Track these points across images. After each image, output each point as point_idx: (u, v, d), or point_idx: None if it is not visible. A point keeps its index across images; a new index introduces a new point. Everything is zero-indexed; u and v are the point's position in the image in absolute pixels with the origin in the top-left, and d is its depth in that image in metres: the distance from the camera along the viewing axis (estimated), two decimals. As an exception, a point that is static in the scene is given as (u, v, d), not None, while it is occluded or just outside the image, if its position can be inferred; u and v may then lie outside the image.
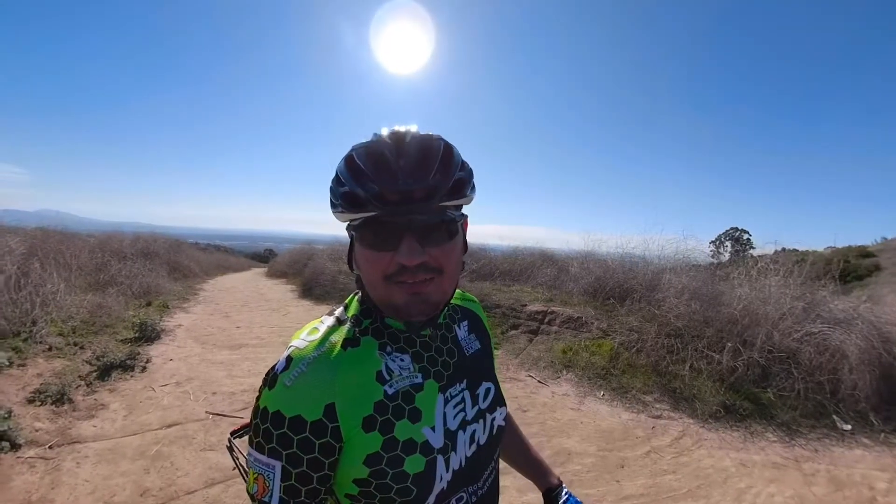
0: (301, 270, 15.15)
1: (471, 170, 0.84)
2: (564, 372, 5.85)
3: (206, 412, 4.43)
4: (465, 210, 0.86)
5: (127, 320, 7.25)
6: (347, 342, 0.82)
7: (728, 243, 38.11)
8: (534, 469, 1.22)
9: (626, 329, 6.49)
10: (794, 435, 4.42)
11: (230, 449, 2.03)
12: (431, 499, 0.81)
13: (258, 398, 0.78)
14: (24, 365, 4.93)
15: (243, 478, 2.06)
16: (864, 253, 21.47)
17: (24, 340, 5.52)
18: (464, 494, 0.89)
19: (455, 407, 0.89)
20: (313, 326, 0.86)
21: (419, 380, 0.85)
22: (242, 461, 1.97)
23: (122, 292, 9.06)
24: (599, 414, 4.80)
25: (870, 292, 10.33)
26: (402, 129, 0.78)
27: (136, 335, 6.60)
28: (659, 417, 4.73)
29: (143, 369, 5.47)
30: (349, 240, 0.85)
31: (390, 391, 0.81)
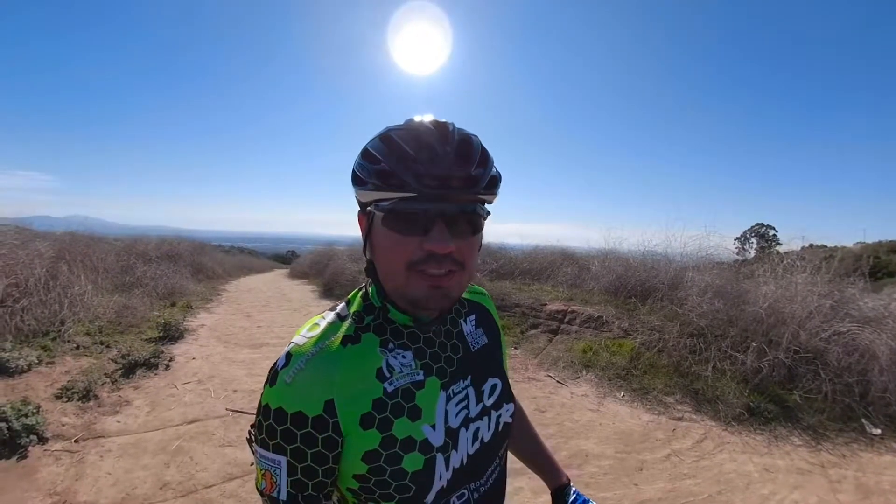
0: (322, 271, 15.29)
1: (498, 170, 0.83)
2: (584, 372, 5.79)
3: (227, 409, 4.49)
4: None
5: (152, 320, 7.40)
6: (347, 339, 0.81)
7: (753, 240, 37.38)
8: (543, 467, 1.21)
9: (648, 328, 6.40)
10: (821, 439, 4.30)
11: (250, 441, 2.08)
12: (431, 496, 0.81)
13: (261, 395, 0.78)
14: (52, 363, 5.06)
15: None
16: (895, 248, 20.88)
17: (53, 339, 5.68)
18: (465, 491, 0.88)
19: (458, 404, 0.88)
20: (314, 322, 0.86)
21: (420, 377, 0.84)
22: None
23: (147, 293, 9.26)
24: (619, 415, 4.73)
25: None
26: (446, 121, 0.78)
27: (161, 335, 6.73)
28: (680, 419, 4.64)
29: (167, 367, 5.57)
30: (367, 221, 0.81)
31: (390, 389, 0.80)
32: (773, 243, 31.75)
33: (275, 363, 0.79)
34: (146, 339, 6.52)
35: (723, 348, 5.49)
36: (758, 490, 3.50)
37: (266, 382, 0.78)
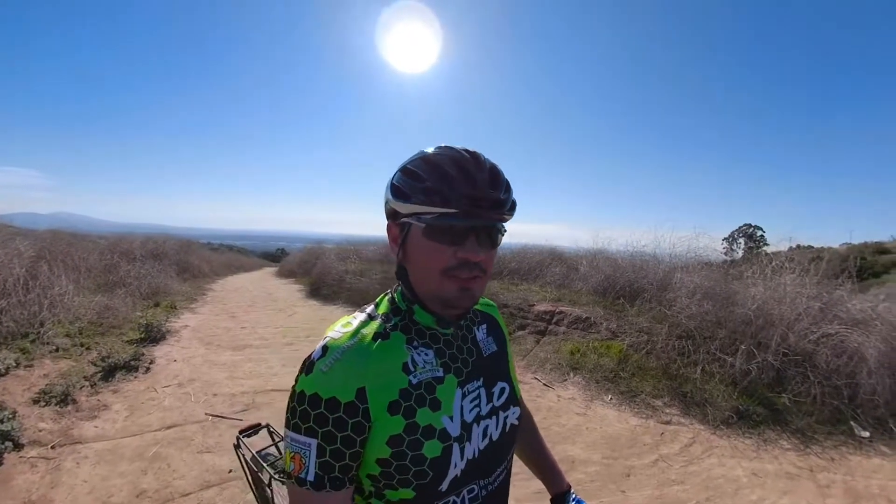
0: (310, 270, 15.17)
1: None
2: (571, 374, 5.74)
3: (206, 414, 4.40)
4: None
5: (134, 321, 7.26)
6: (378, 335, 0.90)
7: (741, 240, 37.67)
8: (546, 472, 1.31)
9: (636, 330, 6.36)
10: (810, 442, 4.27)
11: (237, 447, 2.00)
12: (445, 484, 0.89)
13: (295, 384, 0.86)
14: (30, 366, 4.96)
15: (246, 476, 2.03)
16: (880, 249, 21.08)
17: (32, 342, 5.57)
18: (475, 487, 0.96)
19: (471, 402, 0.97)
20: (346, 321, 0.95)
21: (440, 373, 0.93)
22: (248, 457, 1.93)
23: (130, 293, 9.13)
24: (606, 419, 4.68)
25: (887, 290, 10.08)
26: (477, 152, 0.91)
27: (142, 336, 6.61)
28: (668, 423, 4.59)
29: (147, 370, 5.46)
30: (402, 231, 0.92)
31: (414, 381, 0.89)
32: (761, 244, 31.98)
33: (310, 354, 0.88)
34: (127, 341, 6.40)
35: (711, 350, 5.46)
36: (746, 496, 3.45)
37: (301, 372, 0.86)
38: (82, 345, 5.88)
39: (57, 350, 5.54)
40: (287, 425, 0.85)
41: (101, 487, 3.18)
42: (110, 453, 3.62)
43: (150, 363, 5.67)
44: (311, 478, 0.81)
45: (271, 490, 1.80)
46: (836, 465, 3.94)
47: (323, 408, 0.81)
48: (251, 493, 2.06)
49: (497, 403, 1.02)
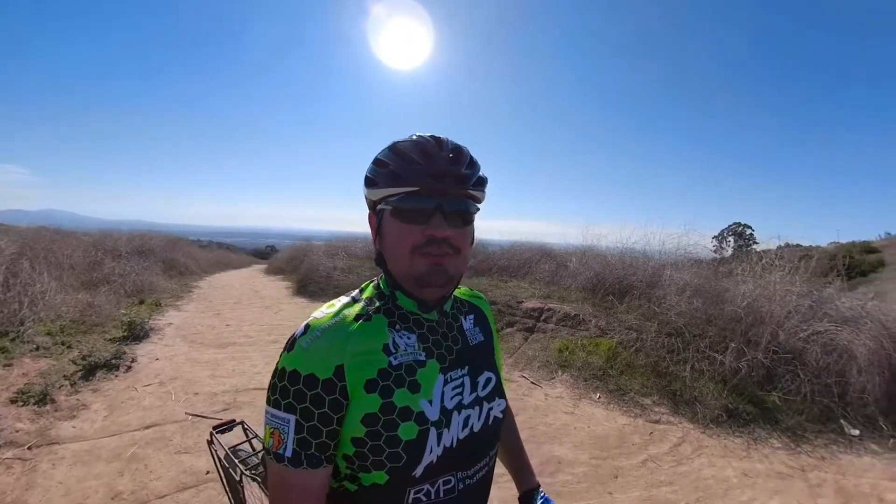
0: (298, 267, 15.07)
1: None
2: (560, 372, 5.68)
3: (186, 413, 4.31)
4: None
5: (117, 319, 7.14)
6: (360, 316, 0.91)
7: (731, 238, 37.92)
8: (517, 468, 1.31)
9: (625, 327, 6.32)
10: (800, 441, 4.23)
11: (210, 443, 1.93)
12: (419, 469, 0.87)
13: (278, 362, 0.87)
14: (10, 365, 4.86)
15: (219, 474, 1.95)
16: (868, 248, 21.27)
17: (12, 340, 5.48)
18: (451, 478, 0.93)
19: (454, 389, 0.96)
20: (331, 303, 0.96)
21: (422, 357, 0.93)
22: (222, 455, 1.86)
23: (114, 291, 9.00)
24: (594, 418, 4.61)
25: (875, 289, 10.13)
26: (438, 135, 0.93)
27: (125, 334, 6.49)
28: (657, 422, 4.54)
29: (128, 369, 5.37)
30: (377, 218, 0.96)
31: (395, 362, 0.89)
32: (751, 242, 32.20)
33: (293, 333, 0.89)
34: (110, 339, 6.28)
35: (701, 348, 5.42)
36: (737, 496, 3.40)
37: (284, 350, 0.88)
38: (63, 343, 5.78)
39: (37, 349, 5.45)
40: (268, 402, 0.86)
41: (77, 489, 3.10)
42: (87, 454, 3.53)
43: (132, 362, 5.57)
44: (288, 453, 0.82)
45: (242, 487, 1.74)
46: (826, 464, 3.91)
47: (301, 384, 0.82)
48: (225, 493, 1.99)
49: (482, 393, 1.02)
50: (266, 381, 5.19)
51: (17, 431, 3.74)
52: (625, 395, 5.05)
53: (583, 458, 3.86)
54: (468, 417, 0.97)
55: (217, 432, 1.96)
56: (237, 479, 1.74)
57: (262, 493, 1.68)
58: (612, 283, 8.10)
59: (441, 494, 0.92)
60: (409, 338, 0.93)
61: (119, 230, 15.79)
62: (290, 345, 0.87)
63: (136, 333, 6.60)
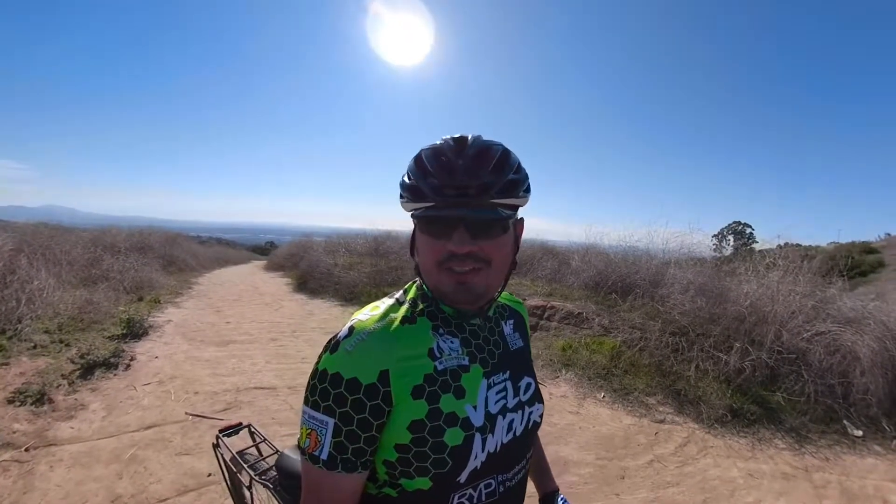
0: (297, 263, 15.03)
1: (526, 174, 0.93)
2: (563, 371, 5.65)
3: (186, 413, 4.25)
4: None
5: (116, 316, 7.06)
6: (405, 319, 0.90)
7: (731, 237, 37.94)
8: (537, 471, 1.30)
9: (629, 326, 6.29)
10: (804, 441, 4.21)
11: (216, 446, 1.90)
12: (464, 475, 0.87)
13: (317, 362, 0.86)
14: (7, 364, 4.79)
15: (224, 478, 1.91)
16: (867, 249, 21.29)
17: (9, 339, 5.41)
18: (492, 481, 0.93)
19: (497, 393, 0.95)
20: (375, 305, 0.95)
21: (466, 362, 0.92)
22: (228, 458, 1.82)
23: (113, 287, 8.95)
24: (600, 418, 4.58)
25: (875, 289, 10.12)
26: (467, 135, 0.88)
27: (124, 332, 6.42)
28: (662, 422, 4.51)
29: (127, 367, 5.29)
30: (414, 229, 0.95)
31: (440, 367, 0.88)
32: (751, 241, 32.24)
33: (336, 334, 0.88)
34: (108, 337, 6.20)
35: (705, 348, 5.40)
36: (743, 497, 3.37)
37: (325, 350, 0.86)
38: (61, 341, 5.70)
39: (35, 347, 5.37)
40: (306, 402, 0.86)
41: (76, 492, 3.04)
42: (86, 456, 3.46)
43: (131, 360, 5.50)
44: (324, 456, 0.81)
45: (251, 492, 1.71)
46: (831, 465, 3.89)
47: (343, 388, 0.81)
48: (230, 497, 1.95)
49: (524, 398, 1.01)
50: (267, 379, 5.16)
51: (14, 432, 3.66)
52: (629, 395, 5.02)
53: (589, 458, 3.83)
54: (512, 421, 0.96)
55: (223, 435, 1.92)
56: (246, 483, 1.71)
57: (272, 499, 1.65)
58: (615, 282, 8.08)
59: (483, 498, 0.92)
60: (452, 342, 0.93)
61: (118, 226, 15.74)
62: (334, 346, 0.85)
63: (135, 331, 6.53)
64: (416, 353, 0.87)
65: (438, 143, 0.89)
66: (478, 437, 0.88)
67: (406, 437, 0.83)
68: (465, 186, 0.83)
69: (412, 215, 0.91)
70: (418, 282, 1.00)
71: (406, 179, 0.90)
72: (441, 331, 0.93)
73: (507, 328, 1.09)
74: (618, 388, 5.16)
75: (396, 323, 0.89)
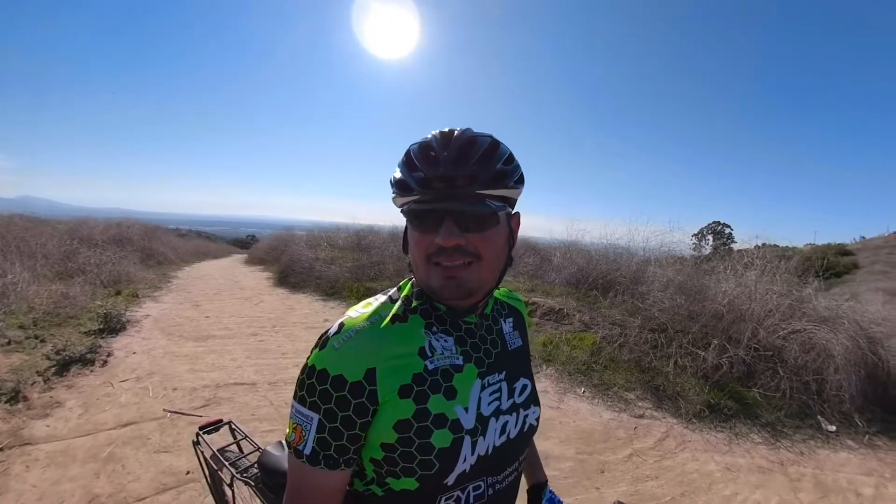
0: (279, 257, 14.91)
1: (517, 165, 0.91)
2: (544, 367, 5.68)
3: (164, 410, 4.19)
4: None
5: (92, 311, 6.95)
6: (396, 318, 0.89)
7: (710, 237, 38.43)
8: (527, 463, 1.27)
9: (609, 323, 6.35)
10: (779, 436, 4.30)
11: (196, 444, 1.88)
12: (452, 478, 0.85)
13: (308, 357, 0.85)
14: (-21, 361, 4.67)
15: (204, 475, 1.89)
16: (842, 251, 21.74)
17: (-18, 335, 5.28)
18: (482, 484, 0.92)
19: (491, 395, 0.94)
20: (367, 301, 0.94)
21: (459, 362, 0.90)
22: (208, 455, 1.80)
23: (89, 281, 8.81)
24: (580, 413, 4.63)
25: (849, 290, 10.33)
26: (455, 129, 0.87)
27: (101, 327, 6.32)
28: (641, 417, 4.57)
29: (104, 363, 5.21)
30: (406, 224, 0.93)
31: (431, 366, 0.86)
32: (729, 241, 32.71)
33: (326, 330, 0.87)
34: (84, 332, 6.11)
35: (684, 344, 5.47)
36: (720, 491, 3.43)
37: (315, 347, 0.86)
38: (36, 337, 5.59)
39: (9, 343, 5.27)
40: (294, 397, 0.86)
41: (52, 493, 2.98)
42: (62, 455, 3.40)
43: (108, 356, 5.42)
44: (307, 451, 0.82)
45: (232, 490, 1.69)
46: (805, 459, 3.97)
47: (329, 384, 0.80)
48: (210, 495, 1.93)
49: (519, 400, 0.99)
50: (247, 375, 5.12)
51: (-13, 432, 3.59)
52: (609, 390, 5.07)
53: (569, 453, 3.87)
54: (506, 424, 0.95)
55: (203, 432, 1.90)
56: (227, 481, 1.69)
57: (253, 496, 1.64)
58: (596, 279, 8.15)
59: (471, 500, 0.91)
60: (446, 341, 0.91)
61: (96, 218, 15.48)
62: (323, 343, 0.85)
63: (113, 326, 6.43)
64: (406, 351, 0.85)
65: (428, 137, 0.88)
66: (467, 439, 0.86)
67: (392, 436, 0.82)
68: (451, 178, 0.82)
69: (402, 211, 0.90)
70: (414, 279, 0.99)
71: (395, 175, 0.89)
72: (434, 329, 0.91)
73: (507, 326, 1.07)
74: (598, 384, 5.20)
75: (387, 321, 0.88)
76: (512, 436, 0.96)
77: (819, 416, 4.58)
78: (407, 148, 0.89)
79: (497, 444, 0.92)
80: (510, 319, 1.09)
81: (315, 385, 0.81)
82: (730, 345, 5.25)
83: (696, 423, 4.45)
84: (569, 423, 4.39)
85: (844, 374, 4.76)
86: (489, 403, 0.92)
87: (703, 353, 5.24)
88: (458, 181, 0.83)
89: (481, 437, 0.89)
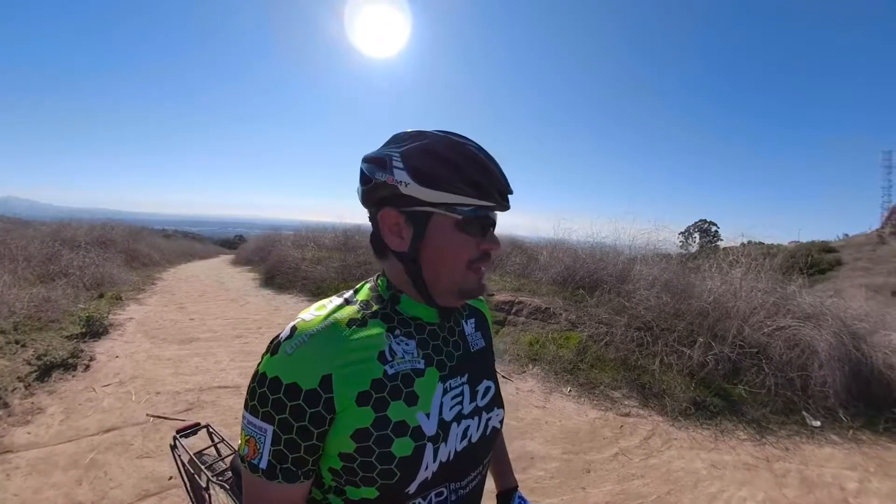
0: (265, 258, 14.82)
1: None
2: (530, 366, 5.69)
3: (147, 415, 4.14)
4: None
5: (75, 314, 6.84)
6: (353, 321, 0.84)
7: (696, 235, 38.76)
8: (497, 467, 1.28)
9: (595, 321, 6.36)
10: (765, 432, 4.33)
11: (173, 447, 1.85)
12: (413, 486, 0.83)
13: (259, 363, 0.81)
14: (-42, 367, 4.58)
15: (182, 479, 1.86)
16: (826, 248, 22.04)
17: (-39, 340, 5.17)
18: (444, 490, 0.89)
19: (453, 399, 0.91)
20: (321, 304, 0.89)
21: (421, 366, 0.87)
22: (186, 460, 1.77)
23: (72, 284, 8.66)
24: (565, 412, 4.63)
25: (833, 286, 10.45)
26: (466, 137, 0.88)
27: (83, 331, 6.22)
28: (627, 415, 4.58)
29: (87, 368, 5.14)
30: (417, 220, 0.85)
31: (390, 371, 0.83)
32: (716, 239, 32.99)
33: (278, 335, 0.82)
34: (66, 336, 5.99)
35: (670, 342, 5.50)
36: (706, 488, 3.45)
37: (266, 352, 0.81)
38: (17, 342, 5.46)
39: (-11, 348, 5.16)
40: (245, 406, 0.81)
41: (33, 501, 2.94)
42: (44, 462, 3.35)
43: (91, 360, 5.34)
44: (263, 465, 0.78)
45: (209, 494, 1.66)
46: (790, 455, 4.00)
47: (282, 393, 0.76)
48: (190, 500, 1.91)
49: (481, 403, 0.98)
50: (231, 378, 5.07)
51: (-33, 441, 3.53)
52: (595, 389, 5.08)
53: (555, 452, 3.87)
54: (467, 428, 0.93)
55: (180, 436, 1.87)
56: (203, 485, 1.67)
57: (230, 501, 1.61)
58: (583, 277, 8.16)
59: None
60: (407, 344, 0.88)
61: (79, 219, 15.29)
62: (274, 348, 0.80)
63: (95, 330, 6.34)
64: (364, 356, 0.81)
65: (467, 140, 0.86)
66: (429, 446, 0.84)
67: (350, 445, 0.78)
68: (507, 192, 0.88)
69: (444, 209, 0.83)
70: (371, 283, 0.96)
71: (452, 169, 0.83)
72: (396, 332, 0.87)
73: (468, 327, 1.04)
74: (584, 383, 5.21)
75: (343, 324, 0.83)
76: (474, 440, 0.94)
77: (804, 412, 4.62)
78: (442, 138, 0.85)
79: (459, 449, 0.91)
80: (472, 320, 1.07)
81: (267, 394, 0.77)
82: (715, 342, 5.28)
83: (682, 421, 4.47)
84: (555, 423, 4.39)
85: (829, 369, 4.80)
86: (451, 408, 0.90)
87: (688, 351, 5.27)
88: (506, 195, 0.88)
89: (443, 444, 0.87)
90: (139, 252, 14.88)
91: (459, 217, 0.83)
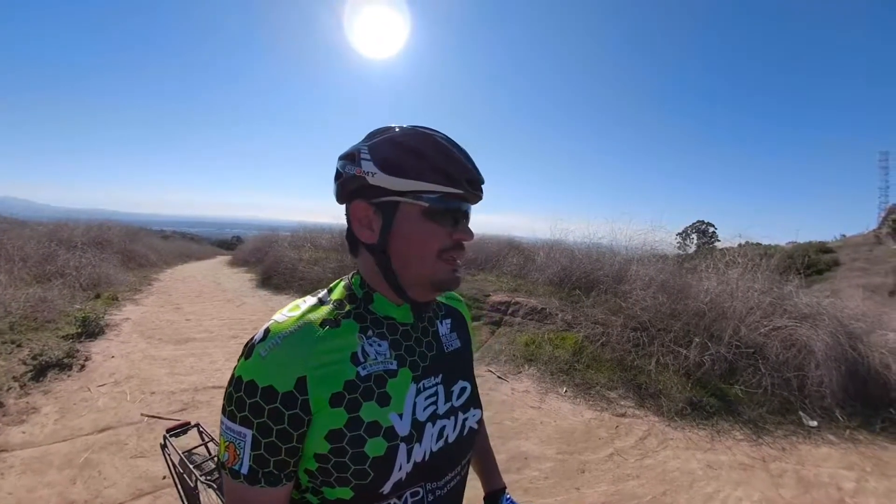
0: (262, 259, 14.80)
1: None
2: (526, 366, 5.68)
3: (142, 414, 4.14)
4: None
5: (71, 315, 6.83)
6: (327, 322, 0.84)
7: (694, 235, 38.79)
8: (484, 469, 1.27)
9: (592, 322, 6.36)
10: (761, 433, 4.33)
11: (163, 447, 1.84)
12: (388, 486, 0.82)
13: (235, 367, 0.81)
14: (-46, 366, 4.57)
15: (173, 479, 1.86)
16: (823, 249, 22.09)
17: (-43, 340, 5.16)
18: (420, 490, 0.89)
19: (427, 399, 0.91)
20: (295, 304, 0.89)
21: (394, 366, 0.87)
22: (176, 460, 1.76)
23: (68, 284, 8.64)
24: (561, 412, 4.63)
25: (830, 287, 10.46)
26: (432, 128, 0.88)
27: (79, 331, 6.22)
28: (623, 416, 4.58)
29: (82, 368, 5.14)
30: (386, 211, 0.85)
31: (363, 373, 0.83)
32: (713, 239, 33.03)
33: (252, 337, 0.82)
34: (62, 337, 5.99)
35: (666, 342, 5.49)
36: (702, 489, 3.44)
37: (241, 355, 0.81)
38: (13, 342, 5.46)
39: (-15, 348, 5.15)
40: (223, 412, 0.81)
41: (28, 500, 2.94)
42: (38, 461, 3.35)
43: (86, 360, 5.34)
44: (244, 471, 0.77)
45: (198, 493, 1.66)
46: (787, 455, 4.00)
47: (259, 397, 0.76)
48: (182, 500, 1.90)
49: (456, 403, 0.97)
50: (226, 378, 5.04)
51: (-38, 440, 3.52)
52: (591, 389, 5.07)
53: (549, 453, 3.86)
54: (443, 428, 0.92)
55: (171, 435, 1.87)
56: (192, 485, 1.66)
57: (219, 500, 1.61)
58: (579, 278, 8.15)
59: None
60: (380, 345, 0.87)
61: (76, 220, 15.26)
62: (249, 351, 0.80)
63: (91, 330, 6.33)
64: (337, 358, 0.81)
65: (435, 131, 0.87)
66: (402, 446, 0.84)
67: (324, 446, 0.78)
68: (477, 180, 0.88)
69: (412, 198, 0.84)
70: (345, 281, 0.96)
71: (417, 158, 0.83)
72: (369, 333, 0.87)
73: (443, 328, 1.04)
74: (580, 383, 5.21)
75: (316, 325, 0.83)
76: (450, 440, 0.94)
77: (800, 412, 4.62)
78: (410, 130, 0.87)
79: (434, 449, 0.90)
80: (447, 321, 1.07)
81: (244, 398, 0.76)
82: (712, 342, 5.28)
83: (678, 421, 4.46)
84: (550, 423, 4.39)
85: (825, 369, 4.80)
86: (425, 408, 0.90)
87: (685, 351, 5.26)
88: (477, 184, 0.88)
89: (417, 444, 0.87)
90: (136, 253, 14.86)
91: (426, 205, 0.84)
